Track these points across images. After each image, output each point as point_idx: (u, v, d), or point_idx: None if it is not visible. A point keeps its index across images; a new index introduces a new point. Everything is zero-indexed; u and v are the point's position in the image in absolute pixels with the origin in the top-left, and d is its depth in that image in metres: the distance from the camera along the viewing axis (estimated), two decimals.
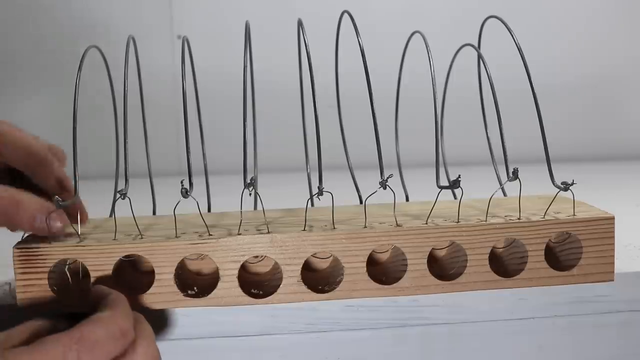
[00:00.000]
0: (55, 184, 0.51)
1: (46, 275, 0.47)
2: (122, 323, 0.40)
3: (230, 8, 1.09)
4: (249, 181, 0.49)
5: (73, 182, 0.49)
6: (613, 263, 0.51)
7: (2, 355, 0.36)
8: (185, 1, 1.09)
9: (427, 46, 0.54)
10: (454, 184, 0.50)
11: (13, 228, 0.48)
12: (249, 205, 0.52)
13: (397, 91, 0.66)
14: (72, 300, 0.48)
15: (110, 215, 0.55)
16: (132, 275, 0.51)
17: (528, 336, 0.54)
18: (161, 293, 0.48)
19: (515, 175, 0.50)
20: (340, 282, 0.49)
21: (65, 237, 0.49)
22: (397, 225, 0.50)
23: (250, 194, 0.49)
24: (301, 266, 0.49)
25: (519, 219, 0.51)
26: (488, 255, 0.50)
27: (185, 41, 0.55)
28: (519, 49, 0.53)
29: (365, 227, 0.50)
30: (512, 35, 0.53)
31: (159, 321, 0.50)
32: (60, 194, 0.49)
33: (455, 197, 0.59)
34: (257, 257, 0.51)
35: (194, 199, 0.49)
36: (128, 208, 0.49)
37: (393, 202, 0.51)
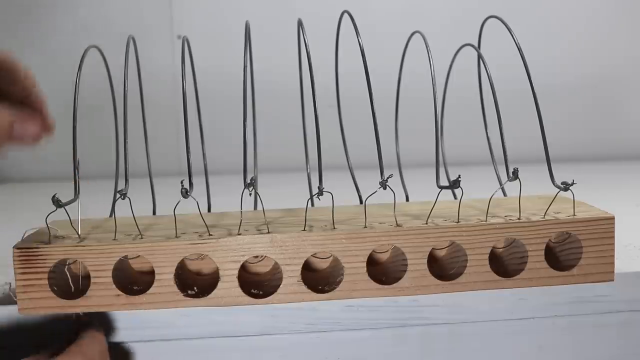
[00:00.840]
0: (25, 93, 0.48)
1: (46, 275, 0.47)
2: None
3: (230, 8, 1.09)
4: (249, 181, 0.49)
5: (73, 183, 0.49)
6: (613, 263, 0.51)
7: None
8: (185, 1, 1.09)
9: (427, 46, 0.54)
10: (454, 184, 0.50)
11: None
12: (249, 205, 0.52)
13: (397, 91, 0.66)
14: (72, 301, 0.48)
15: (110, 215, 0.55)
16: (132, 275, 0.51)
17: (528, 336, 0.54)
18: (161, 293, 0.48)
19: (515, 175, 0.50)
20: (340, 282, 0.49)
21: (65, 237, 0.49)
22: (397, 225, 0.50)
23: (250, 194, 0.49)
24: (301, 266, 0.49)
25: (519, 219, 0.51)
26: (488, 255, 0.50)
27: (185, 41, 0.55)
28: (519, 49, 0.53)
29: (365, 227, 0.50)
30: (512, 35, 0.53)
31: (159, 321, 0.50)
32: (27, 106, 0.47)
33: (455, 197, 0.59)
34: (257, 257, 0.51)
35: (194, 199, 0.49)
36: (128, 208, 0.49)
37: (393, 202, 0.51)
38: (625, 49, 1.17)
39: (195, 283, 0.50)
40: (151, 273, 0.48)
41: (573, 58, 1.16)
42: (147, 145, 0.62)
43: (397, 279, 0.50)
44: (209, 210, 0.58)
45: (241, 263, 0.49)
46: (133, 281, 0.50)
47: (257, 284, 0.51)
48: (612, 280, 0.52)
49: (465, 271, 0.50)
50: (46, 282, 0.47)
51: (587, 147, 1.17)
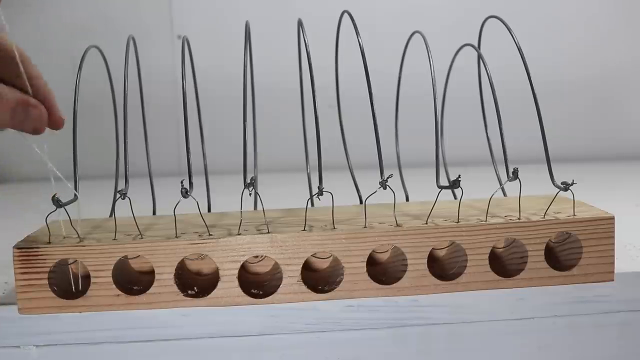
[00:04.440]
0: (25, 81, 0.47)
1: (46, 275, 0.47)
2: None
3: (230, 8, 1.09)
4: (249, 181, 0.49)
5: (74, 177, 0.49)
6: (613, 263, 0.51)
7: None
8: (185, 1, 1.09)
9: (427, 46, 0.54)
10: (454, 184, 0.50)
11: None
12: (249, 205, 0.52)
13: (397, 91, 0.66)
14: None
15: (110, 215, 0.55)
16: (132, 275, 0.51)
17: (528, 336, 0.54)
18: (161, 293, 0.48)
19: (515, 175, 0.50)
20: (340, 282, 0.49)
21: (65, 237, 0.49)
22: (397, 225, 0.50)
23: (250, 194, 0.49)
24: (301, 266, 0.49)
25: (519, 219, 0.51)
26: (488, 255, 0.50)
27: (185, 41, 0.55)
28: (519, 49, 0.53)
29: (365, 227, 0.50)
30: (512, 36, 0.53)
31: (159, 321, 0.50)
32: (28, 93, 0.47)
33: (455, 197, 0.59)
34: (257, 257, 0.51)
35: (194, 199, 0.49)
36: (128, 208, 0.49)
37: (393, 202, 0.51)
38: (625, 49, 1.17)
39: (195, 283, 0.50)
40: (151, 273, 0.48)
41: (573, 58, 1.16)
42: (147, 145, 0.62)
43: (397, 279, 0.50)
44: (209, 210, 0.58)
45: (241, 263, 0.49)
46: (133, 281, 0.50)
47: (257, 284, 0.51)
48: (612, 280, 0.52)
49: (465, 271, 0.50)
50: (46, 282, 0.47)
51: (587, 147, 1.17)
